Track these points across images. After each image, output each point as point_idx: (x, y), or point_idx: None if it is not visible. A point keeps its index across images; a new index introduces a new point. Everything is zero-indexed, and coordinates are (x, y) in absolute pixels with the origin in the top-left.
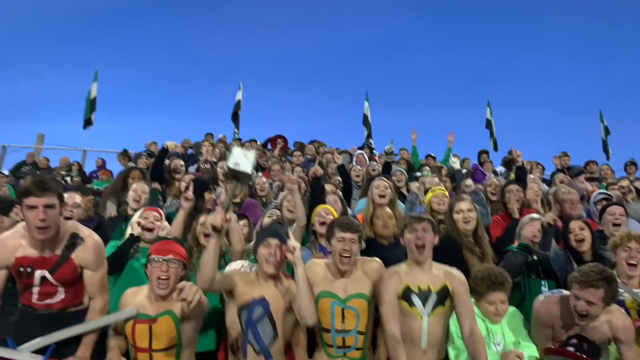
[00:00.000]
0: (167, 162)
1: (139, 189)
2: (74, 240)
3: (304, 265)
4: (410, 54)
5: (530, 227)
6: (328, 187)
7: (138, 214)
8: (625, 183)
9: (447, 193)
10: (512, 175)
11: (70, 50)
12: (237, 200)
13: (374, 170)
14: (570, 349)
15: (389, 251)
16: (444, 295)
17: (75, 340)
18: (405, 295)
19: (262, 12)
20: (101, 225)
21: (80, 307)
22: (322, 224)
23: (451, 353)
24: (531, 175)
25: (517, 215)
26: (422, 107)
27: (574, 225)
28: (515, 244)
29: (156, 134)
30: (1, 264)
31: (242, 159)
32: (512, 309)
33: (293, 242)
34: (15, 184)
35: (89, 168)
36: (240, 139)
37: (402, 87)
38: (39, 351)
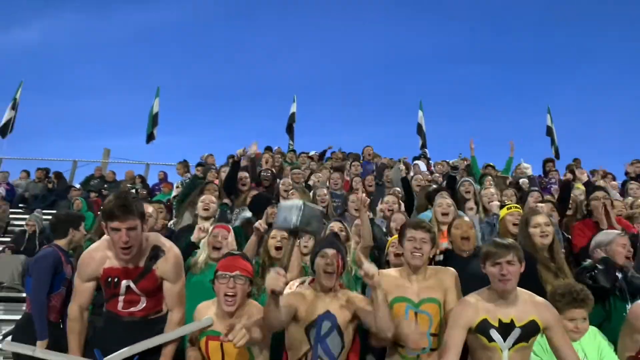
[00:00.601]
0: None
1: (207, 199)
2: (157, 253)
3: (383, 289)
4: (465, 64)
5: (619, 247)
6: (390, 198)
7: (208, 225)
8: None
9: (521, 211)
10: (579, 185)
11: (133, 68)
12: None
13: (430, 181)
14: None
15: (467, 263)
16: (530, 331)
17: (156, 351)
18: (481, 329)
19: (315, 24)
20: (171, 236)
21: (159, 315)
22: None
23: None
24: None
25: (605, 226)
26: (478, 116)
27: None
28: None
29: (213, 147)
30: (91, 276)
31: (287, 213)
32: (593, 328)
33: (370, 267)
34: (86, 196)
35: (151, 181)
36: (294, 150)
37: (457, 96)
38: None
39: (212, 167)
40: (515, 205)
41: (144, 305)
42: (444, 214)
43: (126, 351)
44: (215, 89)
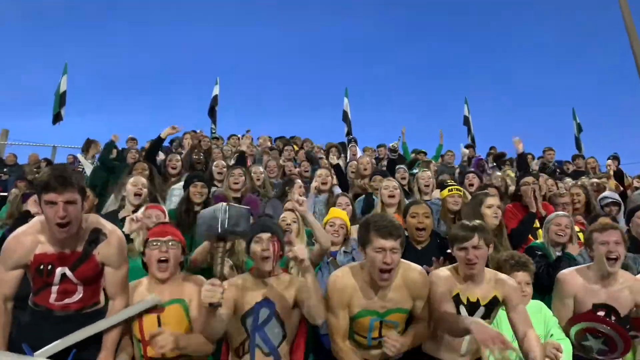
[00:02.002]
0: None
1: (139, 182)
2: (97, 236)
3: (314, 273)
4: (390, 52)
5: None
6: (322, 171)
7: (139, 214)
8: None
9: (462, 193)
10: (508, 170)
11: (37, 44)
12: (238, 195)
13: (365, 169)
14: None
15: (423, 256)
16: (492, 307)
17: (96, 343)
18: (454, 303)
19: (240, 6)
20: None
21: (96, 307)
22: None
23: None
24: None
25: (534, 209)
26: (401, 106)
27: None
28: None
29: (129, 130)
30: (18, 263)
31: (211, 219)
32: (538, 302)
33: (301, 250)
34: None
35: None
36: (217, 136)
37: (382, 83)
38: (57, 357)
39: (133, 149)
40: (456, 187)
41: (80, 295)
42: (391, 196)
43: (60, 343)
44: (132, 69)
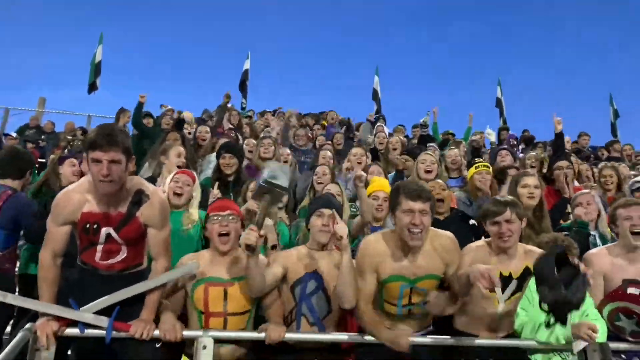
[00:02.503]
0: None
1: (182, 153)
2: (140, 197)
3: (350, 253)
4: (422, 31)
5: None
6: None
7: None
8: None
9: (490, 170)
10: (542, 153)
11: (74, 15)
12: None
13: (395, 148)
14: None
15: (446, 227)
16: (525, 278)
17: (139, 301)
18: None
19: None
20: None
21: (140, 268)
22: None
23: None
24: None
25: (567, 194)
26: (432, 86)
27: None
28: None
29: (162, 101)
30: (67, 219)
31: (279, 173)
32: None
33: (342, 228)
34: (22, 146)
35: None
36: (248, 113)
37: (414, 63)
38: (102, 312)
39: (167, 114)
40: (484, 163)
41: (125, 255)
42: (427, 171)
43: (105, 300)
44: (166, 42)
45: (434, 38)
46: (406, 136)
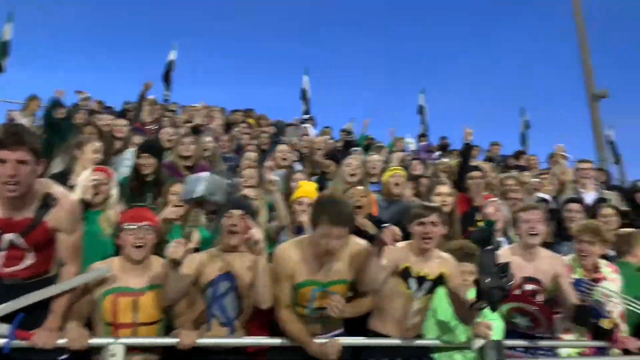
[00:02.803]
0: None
1: (98, 149)
2: (48, 201)
3: (265, 257)
4: (354, 34)
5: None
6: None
7: (87, 173)
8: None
9: (404, 173)
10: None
11: None
12: (189, 163)
13: (319, 148)
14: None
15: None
16: (438, 283)
17: (44, 308)
18: (404, 275)
19: None
20: None
21: (47, 276)
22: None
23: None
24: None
25: (477, 203)
26: (360, 87)
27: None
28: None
29: (77, 87)
30: None
31: (216, 189)
32: None
33: (257, 232)
34: None
35: None
36: (171, 107)
37: (342, 65)
38: (4, 319)
39: (83, 109)
40: (397, 168)
41: (30, 262)
42: (352, 175)
43: (7, 306)
44: (80, 23)
45: (366, 40)
46: (333, 138)
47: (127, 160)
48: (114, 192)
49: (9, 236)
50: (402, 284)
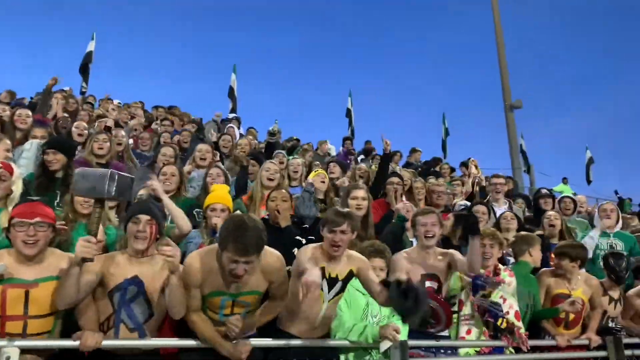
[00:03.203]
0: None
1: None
2: None
3: (180, 273)
4: (280, 30)
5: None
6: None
7: None
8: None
9: (326, 174)
10: (374, 165)
11: None
12: (102, 161)
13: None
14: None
15: (282, 233)
16: (348, 281)
17: None
18: None
19: None
20: None
21: None
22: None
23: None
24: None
25: (394, 207)
26: (288, 86)
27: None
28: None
29: None
30: None
31: (98, 182)
32: None
33: (172, 249)
34: None
35: None
36: (88, 99)
37: (270, 63)
38: None
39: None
40: (321, 169)
41: None
42: (270, 179)
43: None
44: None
45: (294, 39)
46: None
47: (26, 152)
48: (16, 187)
49: None
50: None
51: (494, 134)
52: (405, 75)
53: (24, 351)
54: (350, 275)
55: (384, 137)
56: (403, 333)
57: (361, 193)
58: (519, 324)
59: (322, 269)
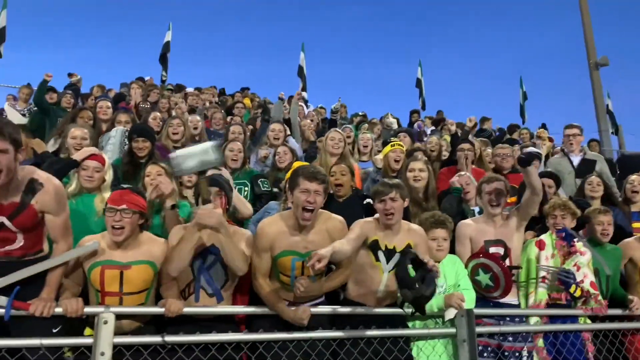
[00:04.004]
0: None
1: (79, 134)
2: (33, 186)
3: (225, 231)
4: (348, 6)
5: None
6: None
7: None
8: None
9: (404, 149)
10: (445, 135)
11: None
12: (178, 145)
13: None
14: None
15: (344, 208)
16: (406, 253)
17: (40, 282)
18: (372, 247)
19: None
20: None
21: (40, 255)
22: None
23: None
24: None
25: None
26: (355, 63)
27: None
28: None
29: (74, 70)
30: None
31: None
32: (452, 256)
33: (208, 211)
34: None
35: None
36: (168, 87)
37: (338, 39)
38: (1, 292)
39: (68, 93)
40: (399, 142)
41: (22, 243)
42: (335, 148)
43: (4, 279)
44: (78, 4)
45: (362, 15)
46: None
47: (112, 139)
48: (108, 176)
49: None
50: (371, 256)
51: (577, 95)
52: (477, 40)
53: (119, 317)
54: (408, 247)
55: (469, 118)
56: (470, 301)
57: (419, 165)
58: (595, 292)
59: (376, 241)
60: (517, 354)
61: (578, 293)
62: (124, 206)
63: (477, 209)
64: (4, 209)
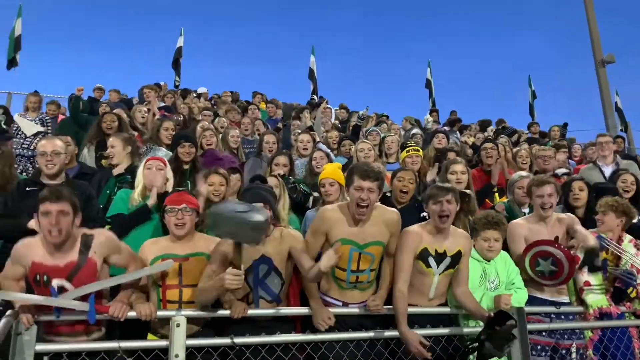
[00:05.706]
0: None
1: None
2: (86, 240)
3: (309, 257)
4: (354, 11)
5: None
6: (304, 137)
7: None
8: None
9: (421, 153)
10: (468, 137)
11: None
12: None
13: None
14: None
15: (402, 213)
16: (457, 259)
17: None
18: (422, 256)
19: None
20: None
21: None
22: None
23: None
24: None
25: (495, 177)
26: (366, 65)
27: (575, 184)
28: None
29: (89, 78)
30: (21, 262)
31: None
32: (504, 253)
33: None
34: None
35: (16, 112)
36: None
37: (347, 40)
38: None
39: (104, 102)
40: (414, 147)
41: None
42: (366, 158)
43: (82, 289)
44: (93, 13)
45: (366, 17)
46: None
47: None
48: (170, 175)
49: (56, 282)
50: (421, 264)
51: (585, 92)
52: (484, 40)
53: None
54: (459, 254)
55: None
56: (521, 300)
57: (460, 167)
58: None
59: (425, 249)
60: (564, 351)
61: (634, 294)
62: (183, 205)
63: (527, 211)
64: (62, 270)
